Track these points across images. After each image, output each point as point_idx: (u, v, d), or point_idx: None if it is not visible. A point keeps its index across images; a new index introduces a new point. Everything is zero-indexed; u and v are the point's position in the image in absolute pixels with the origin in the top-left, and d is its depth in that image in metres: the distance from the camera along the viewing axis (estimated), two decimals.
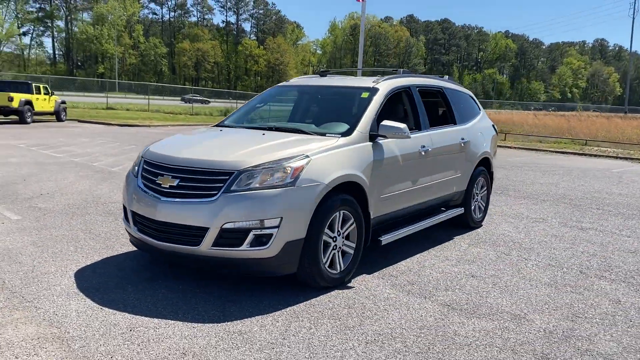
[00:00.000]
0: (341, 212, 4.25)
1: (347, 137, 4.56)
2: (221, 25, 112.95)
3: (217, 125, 5.51)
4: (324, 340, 3.34)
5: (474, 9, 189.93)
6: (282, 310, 3.80)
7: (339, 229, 4.28)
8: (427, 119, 5.63)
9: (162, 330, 3.40)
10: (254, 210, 3.78)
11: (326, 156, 4.22)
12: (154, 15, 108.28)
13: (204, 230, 3.80)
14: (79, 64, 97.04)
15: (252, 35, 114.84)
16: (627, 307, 4.15)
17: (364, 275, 4.65)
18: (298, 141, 4.42)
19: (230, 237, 3.79)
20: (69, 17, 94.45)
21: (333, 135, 4.61)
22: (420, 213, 5.63)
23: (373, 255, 5.17)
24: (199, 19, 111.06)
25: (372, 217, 4.67)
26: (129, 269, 4.57)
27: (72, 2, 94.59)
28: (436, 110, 6.41)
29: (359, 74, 13.18)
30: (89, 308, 3.70)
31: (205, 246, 3.81)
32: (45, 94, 22.64)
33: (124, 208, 4.52)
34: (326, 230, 4.12)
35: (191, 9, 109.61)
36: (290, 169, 3.93)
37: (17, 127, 19.44)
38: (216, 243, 3.80)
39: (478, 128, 6.59)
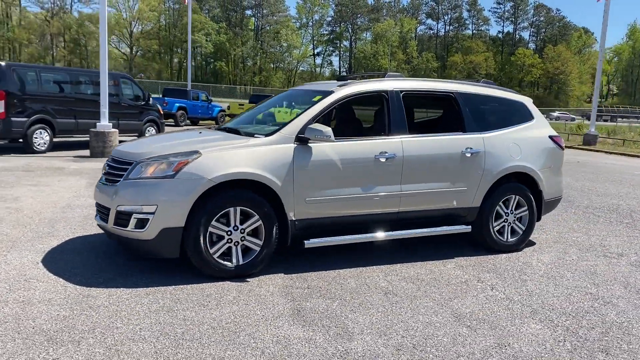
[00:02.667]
0: (237, 208, 4.48)
1: (267, 138, 4.76)
2: (498, 35, 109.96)
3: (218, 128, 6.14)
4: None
5: None
6: (156, 288, 4.28)
7: (237, 224, 4.52)
8: (406, 125, 5.27)
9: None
10: (137, 197, 4.37)
11: (223, 154, 4.52)
12: (430, 31, 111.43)
13: (109, 210, 4.54)
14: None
15: (530, 44, 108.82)
16: None
17: (280, 275, 4.73)
18: (215, 139, 4.84)
19: (122, 218, 4.45)
20: (353, 37, 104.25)
21: (259, 135, 4.84)
22: (393, 222, 5.30)
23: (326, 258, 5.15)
24: (474, 31, 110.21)
25: (293, 219, 4.73)
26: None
27: (357, 23, 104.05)
28: (440, 116, 5.84)
29: None
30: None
31: (110, 224, 4.55)
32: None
33: None
34: (215, 222, 4.42)
35: (467, 22, 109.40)
36: (174, 162, 4.39)
37: None
38: (115, 222, 4.51)
39: (510, 138, 5.73)
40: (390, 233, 5.26)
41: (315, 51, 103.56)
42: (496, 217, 5.77)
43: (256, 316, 3.82)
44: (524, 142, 5.83)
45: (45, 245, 5.26)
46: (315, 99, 5.17)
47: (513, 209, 5.82)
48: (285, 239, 4.80)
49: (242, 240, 4.58)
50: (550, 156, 6.01)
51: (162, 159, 4.46)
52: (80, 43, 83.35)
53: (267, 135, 4.82)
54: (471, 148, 5.49)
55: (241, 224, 4.56)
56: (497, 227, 5.76)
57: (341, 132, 5.12)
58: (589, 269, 5.33)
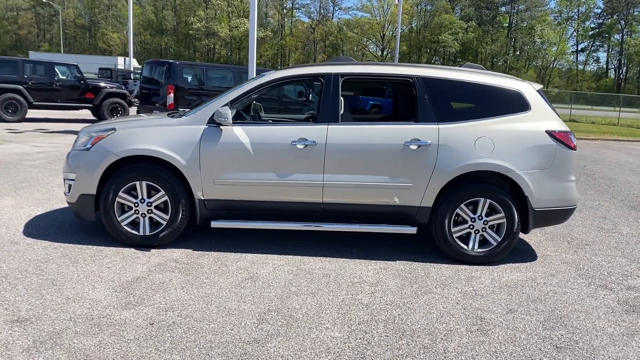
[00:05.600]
0: (143, 182, 4.86)
1: (182, 118, 5.01)
2: None
3: None
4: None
5: None
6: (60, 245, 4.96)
7: (144, 197, 4.89)
8: (338, 111, 4.89)
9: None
10: (67, 165, 5.07)
11: (134, 131, 4.93)
12: None
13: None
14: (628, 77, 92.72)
15: None
16: None
17: (186, 250, 4.94)
18: (148, 118, 5.29)
19: (65, 184, 5.19)
20: (625, 31, 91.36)
21: (184, 115, 5.11)
22: (320, 214, 4.99)
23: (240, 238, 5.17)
24: None
25: (202, 198, 4.90)
26: None
27: (632, 14, 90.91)
28: (394, 104, 5.15)
29: None
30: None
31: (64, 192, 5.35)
32: None
33: None
34: (122, 193, 4.88)
35: None
36: (93, 136, 4.97)
37: None
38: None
39: (479, 131, 4.79)
40: (309, 224, 4.97)
41: (579, 47, 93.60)
42: (458, 222, 4.92)
43: (95, 276, 4.15)
44: (502, 137, 4.81)
45: None
46: (246, 82, 5.18)
47: (483, 214, 4.87)
48: (192, 217, 4.97)
49: (148, 213, 4.93)
50: (545, 156, 4.82)
51: (87, 133, 5.07)
52: (338, 47, 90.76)
53: (185, 115, 5.06)
54: (418, 140, 4.79)
55: (149, 197, 4.90)
56: (459, 234, 4.91)
57: (268, 117, 5.04)
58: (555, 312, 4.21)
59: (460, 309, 3.94)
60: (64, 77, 16.63)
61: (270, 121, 5.97)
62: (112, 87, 17.51)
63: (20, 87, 15.61)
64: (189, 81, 14.19)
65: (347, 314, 3.75)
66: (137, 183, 4.86)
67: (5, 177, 7.63)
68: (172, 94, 13.72)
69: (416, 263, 4.90)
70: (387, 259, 4.98)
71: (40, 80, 16.04)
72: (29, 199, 6.47)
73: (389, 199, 4.88)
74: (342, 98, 4.97)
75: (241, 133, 4.84)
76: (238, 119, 5.19)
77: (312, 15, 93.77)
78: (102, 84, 17.59)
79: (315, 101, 5.20)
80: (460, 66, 5.29)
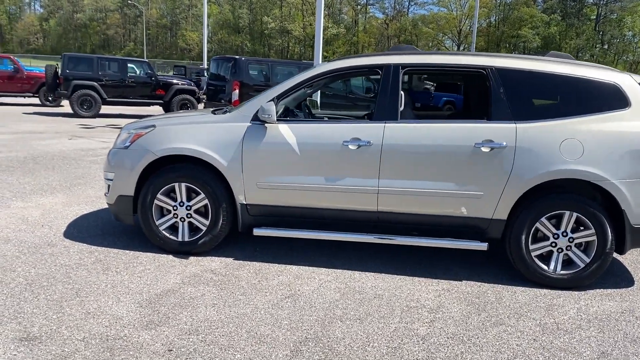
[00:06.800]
0: (182, 184, 4.47)
1: (225, 115, 4.59)
2: None
3: None
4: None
5: None
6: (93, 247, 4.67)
7: (183, 200, 4.51)
8: (397, 107, 4.27)
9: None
10: (107, 163, 4.77)
11: (174, 129, 4.54)
12: None
13: None
14: None
15: None
16: None
17: (227, 260, 4.52)
18: (192, 114, 4.90)
19: (105, 184, 4.91)
20: None
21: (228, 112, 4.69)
22: (374, 224, 4.41)
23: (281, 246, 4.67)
24: None
25: (244, 202, 4.46)
26: None
27: None
28: (464, 99, 4.44)
29: None
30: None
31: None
32: None
33: None
34: (160, 196, 4.51)
35: None
36: (132, 134, 4.64)
37: None
38: None
39: (567, 131, 4.02)
40: (363, 236, 4.39)
41: None
42: (538, 238, 4.18)
43: (122, 286, 3.79)
44: (594, 139, 4.01)
45: None
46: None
47: (568, 230, 4.11)
48: (234, 223, 4.54)
49: (188, 217, 4.54)
50: None
51: (127, 130, 4.74)
52: (412, 44, 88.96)
53: (229, 112, 4.63)
54: (491, 141, 4.09)
55: (189, 200, 4.51)
56: (539, 252, 4.17)
57: (322, 114, 4.52)
58: None
59: (538, 347, 3.24)
60: (136, 74, 16.91)
61: (326, 118, 5.46)
62: (182, 84, 17.64)
63: (95, 83, 16.01)
64: (255, 77, 13.95)
65: (398, 348, 3.15)
66: (176, 185, 4.48)
67: (64, 173, 7.58)
68: (237, 90, 13.51)
69: (486, 285, 4.21)
70: (451, 277, 4.33)
71: (113, 77, 16.39)
72: (80, 197, 6.31)
73: (455, 210, 4.22)
74: (402, 92, 4.36)
75: (287, 131, 4.34)
76: (287, 115, 4.71)
77: (386, 10, 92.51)
78: (173, 81, 17.77)
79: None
80: (543, 56, 4.51)
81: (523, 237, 4.16)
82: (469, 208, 4.19)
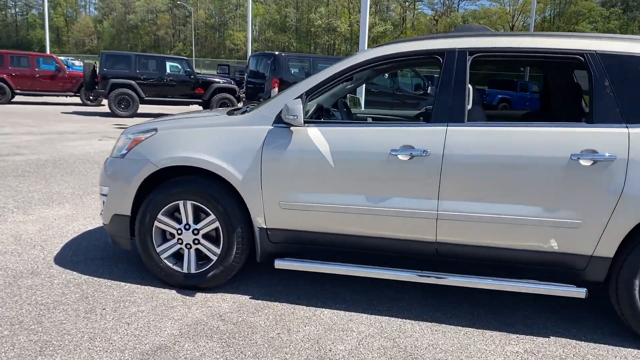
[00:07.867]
0: (188, 202, 3.57)
1: (241, 116, 3.66)
2: None
3: None
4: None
5: None
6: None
7: (189, 222, 3.61)
8: (464, 105, 3.23)
9: None
10: (101, 175, 3.93)
11: (179, 132, 3.65)
12: None
13: None
14: None
15: None
16: None
17: (243, 297, 3.59)
18: (201, 115, 3.99)
19: (100, 200, 4.07)
20: None
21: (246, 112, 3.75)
22: (430, 259, 3.38)
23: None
24: None
25: (263, 226, 3.52)
26: None
27: None
28: (552, 96, 3.34)
29: None
30: None
31: None
32: None
33: None
34: (161, 216, 3.63)
35: None
36: (130, 139, 3.77)
37: None
38: None
39: None
40: (418, 273, 3.36)
41: None
42: None
43: (108, 336, 2.92)
44: None
45: None
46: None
47: None
48: (252, 251, 3.61)
49: (195, 244, 3.63)
50: None
51: (126, 134, 3.88)
52: None
53: (244, 112, 3.70)
54: (594, 152, 3.00)
55: (196, 222, 3.61)
56: None
57: (365, 114, 3.53)
58: None
59: None
60: (175, 72, 16.33)
61: (369, 119, 4.46)
62: (222, 83, 16.96)
63: (132, 82, 15.51)
64: (295, 74, 13.06)
65: None
66: (181, 203, 3.58)
67: (81, 179, 6.88)
68: (276, 88, 12.66)
69: (582, 345, 3.12)
70: (533, 332, 3.25)
71: (151, 76, 15.85)
72: (89, 208, 5.54)
73: (542, 243, 3.13)
74: (470, 86, 3.30)
75: (318, 137, 3.36)
76: (320, 116, 3.76)
77: (435, 7, 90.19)
78: (212, 79, 17.11)
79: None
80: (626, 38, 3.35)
81: (637, 281, 3.05)
82: (561, 241, 3.10)
